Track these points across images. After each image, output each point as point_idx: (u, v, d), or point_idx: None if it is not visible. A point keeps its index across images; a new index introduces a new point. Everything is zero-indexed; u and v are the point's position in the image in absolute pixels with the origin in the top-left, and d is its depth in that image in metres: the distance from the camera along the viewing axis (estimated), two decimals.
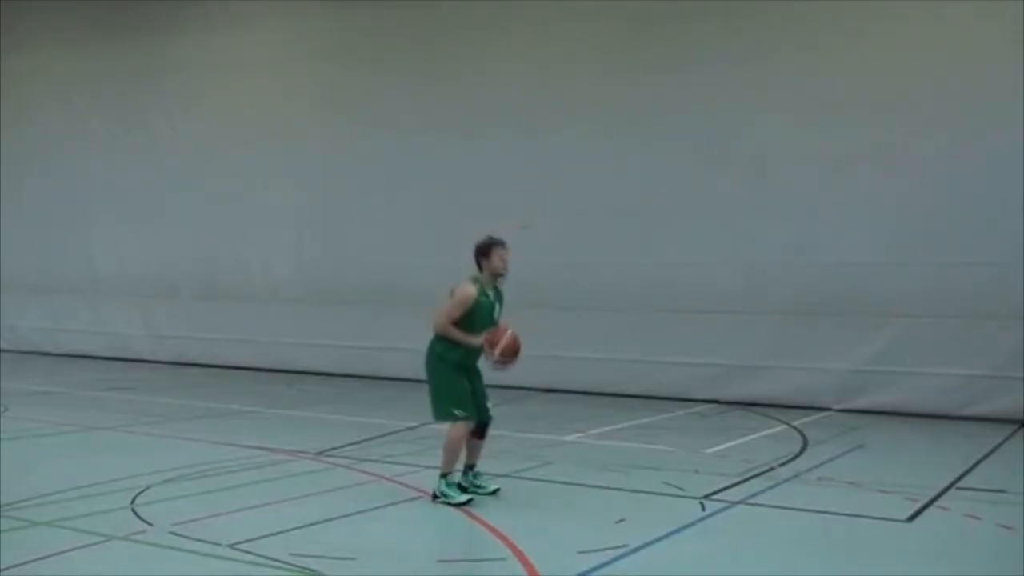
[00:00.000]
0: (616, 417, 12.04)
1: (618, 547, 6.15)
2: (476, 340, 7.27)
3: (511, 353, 7.29)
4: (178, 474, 8.24)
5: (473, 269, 7.46)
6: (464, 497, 7.26)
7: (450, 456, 7.33)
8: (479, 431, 7.50)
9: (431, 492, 7.40)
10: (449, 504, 7.19)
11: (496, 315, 7.45)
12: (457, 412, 7.28)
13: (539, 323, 13.07)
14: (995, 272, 11.90)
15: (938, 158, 12.26)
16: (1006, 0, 11.89)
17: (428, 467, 8.60)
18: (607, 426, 11.36)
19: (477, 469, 7.63)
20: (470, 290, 7.30)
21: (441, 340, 7.37)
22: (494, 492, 7.53)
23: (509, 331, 7.33)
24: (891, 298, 12.47)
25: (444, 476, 7.33)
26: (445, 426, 7.36)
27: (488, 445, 7.71)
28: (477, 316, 7.30)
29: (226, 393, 14.16)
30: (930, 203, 12.25)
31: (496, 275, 7.41)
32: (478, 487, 7.52)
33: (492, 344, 7.26)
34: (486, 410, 7.50)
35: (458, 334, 7.26)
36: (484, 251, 7.40)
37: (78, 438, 10.44)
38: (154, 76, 18.15)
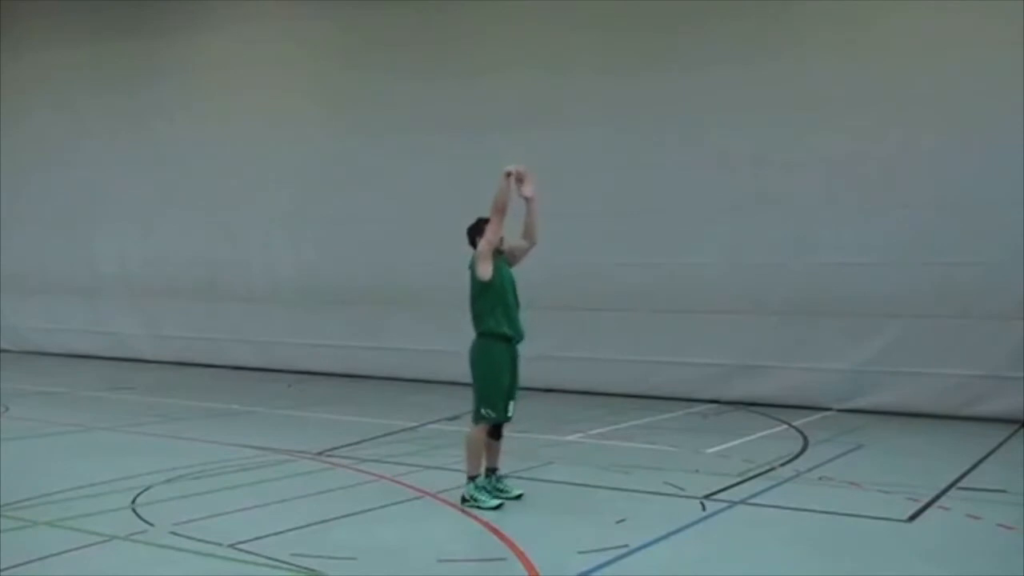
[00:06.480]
0: (616, 417, 12.04)
1: (618, 547, 6.15)
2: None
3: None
4: (178, 474, 8.24)
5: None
6: (494, 502, 7.18)
7: (472, 457, 7.30)
8: (495, 431, 7.41)
9: (461, 496, 7.28)
10: (480, 508, 7.10)
11: (516, 288, 7.50)
12: (484, 412, 7.25)
13: (539, 323, 13.07)
14: (995, 272, 11.91)
15: (937, 157, 12.26)
16: (1007, 0, 11.90)
17: (428, 467, 8.62)
18: (607, 426, 11.36)
19: (500, 473, 7.52)
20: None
21: (484, 330, 7.33)
22: (518, 497, 7.41)
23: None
24: (891, 298, 12.47)
25: (472, 479, 7.27)
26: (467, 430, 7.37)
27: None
28: (507, 283, 7.40)
29: (226, 393, 14.15)
30: (929, 203, 12.25)
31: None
32: (501, 491, 7.39)
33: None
34: (505, 410, 7.36)
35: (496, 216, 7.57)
36: (479, 228, 7.61)
37: (78, 438, 10.43)
38: (154, 76, 18.12)
